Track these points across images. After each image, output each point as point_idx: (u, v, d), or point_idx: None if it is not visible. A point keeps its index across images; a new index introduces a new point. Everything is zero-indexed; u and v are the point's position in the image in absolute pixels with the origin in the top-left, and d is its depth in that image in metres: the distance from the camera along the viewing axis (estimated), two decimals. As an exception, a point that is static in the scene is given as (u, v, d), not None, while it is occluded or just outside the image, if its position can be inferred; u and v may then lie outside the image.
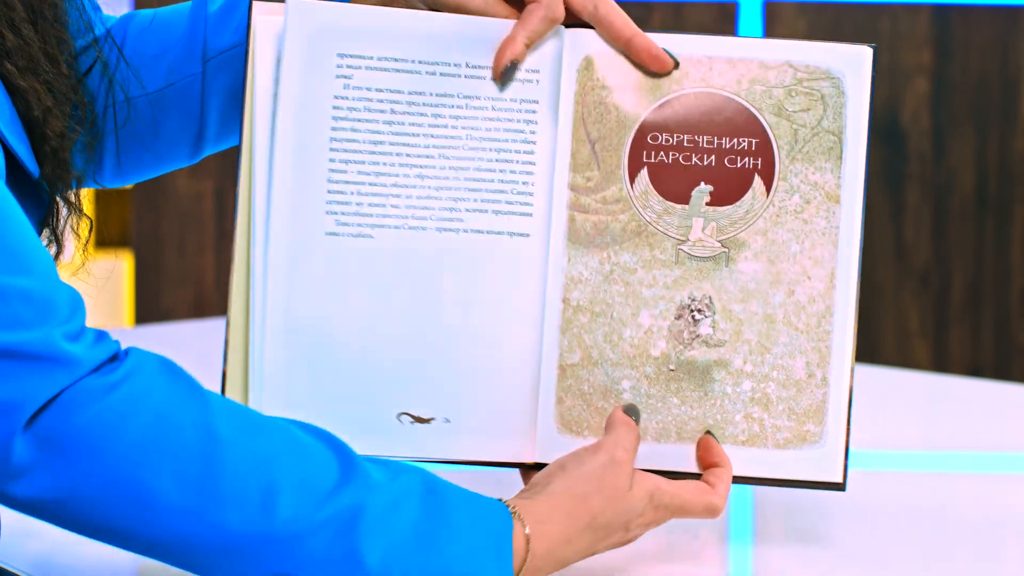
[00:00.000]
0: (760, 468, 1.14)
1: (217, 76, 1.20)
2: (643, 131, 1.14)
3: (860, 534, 1.23)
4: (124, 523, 0.95)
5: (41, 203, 1.07)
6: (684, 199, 1.14)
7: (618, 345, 1.13)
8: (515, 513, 1.03)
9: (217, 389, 1.04)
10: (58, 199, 1.08)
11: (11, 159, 1.02)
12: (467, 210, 1.12)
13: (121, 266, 3.85)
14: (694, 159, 1.14)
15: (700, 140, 1.14)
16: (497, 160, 1.13)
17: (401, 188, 1.12)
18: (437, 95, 1.12)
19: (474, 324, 1.12)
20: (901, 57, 3.66)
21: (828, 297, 1.14)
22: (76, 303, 0.96)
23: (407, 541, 0.98)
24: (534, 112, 1.13)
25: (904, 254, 3.69)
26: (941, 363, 3.68)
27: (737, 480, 1.14)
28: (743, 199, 1.14)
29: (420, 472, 1.02)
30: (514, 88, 1.13)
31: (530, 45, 1.12)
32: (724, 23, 3.62)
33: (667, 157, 1.14)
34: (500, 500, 1.04)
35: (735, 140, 1.14)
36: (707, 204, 1.14)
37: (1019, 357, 3.68)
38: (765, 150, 1.14)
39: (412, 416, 1.12)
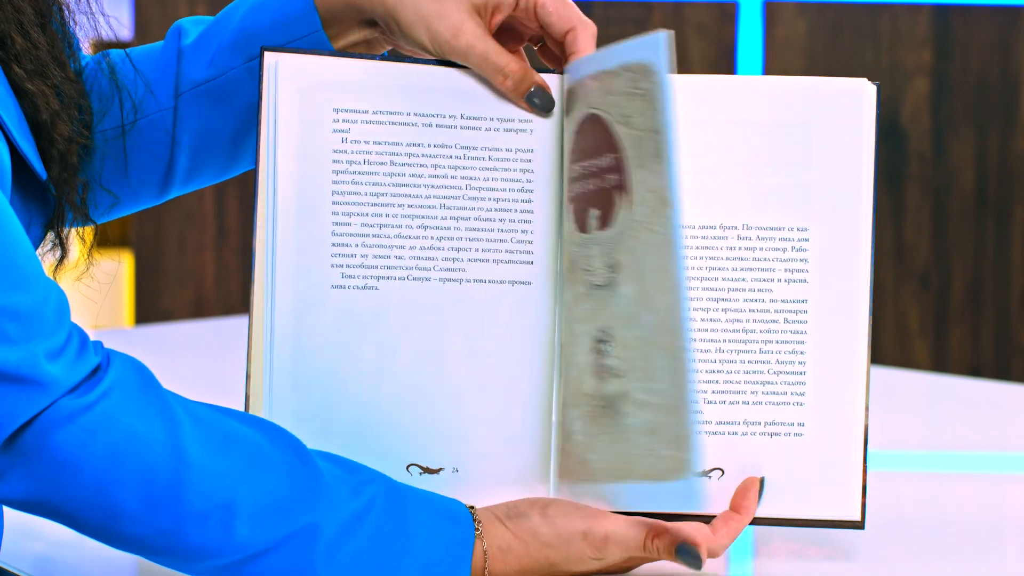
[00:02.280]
0: (775, 508, 1.13)
1: (189, 111, 1.19)
2: (571, 165, 1.13)
3: (860, 534, 1.23)
4: (94, 527, 1.00)
5: (47, 205, 1.07)
6: (586, 228, 1.11)
7: (568, 385, 1.12)
8: (478, 530, 1.05)
9: (221, 390, 1.04)
10: (64, 203, 1.08)
11: (18, 161, 1.03)
12: (469, 260, 1.12)
13: (121, 266, 3.85)
14: (587, 185, 1.11)
15: (588, 165, 1.11)
16: (496, 209, 1.13)
17: (404, 239, 1.11)
18: (435, 146, 1.12)
19: (480, 373, 1.12)
20: (901, 57, 3.66)
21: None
22: (62, 309, 0.98)
23: (363, 557, 1.01)
24: (530, 161, 1.13)
25: (904, 254, 3.69)
26: (941, 363, 3.68)
27: (755, 522, 1.12)
28: (617, 219, 1.08)
29: (384, 482, 1.04)
30: (509, 138, 1.13)
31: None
32: (724, 23, 3.63)
33: (574, 187, 1.13)
34: (469, 508, 1.06)
35: (604, 158, 1.09)
36: (597, 230, 1.10)
37: (1019, 357, 3.68)
38: (622, 164, 1.07)
39: (421, 467, 1.13)
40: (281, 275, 1.10)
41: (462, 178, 1.12)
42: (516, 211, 1.13)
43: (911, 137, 3.67)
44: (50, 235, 1.09)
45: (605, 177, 1.08)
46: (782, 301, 1.12)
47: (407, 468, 1.12)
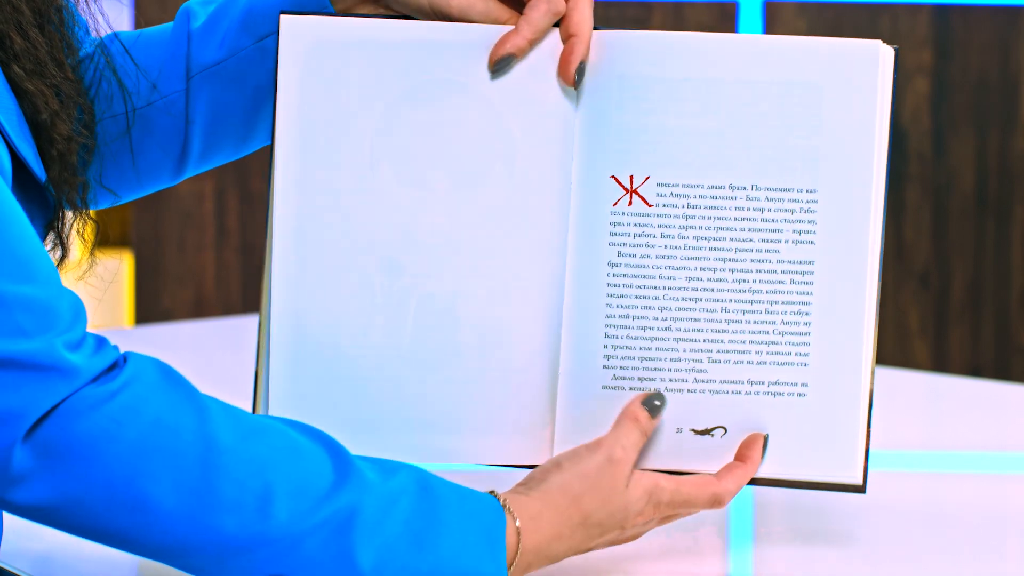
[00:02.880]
0: (777, 468, 1.13)
1: (201, 93, 1.19)
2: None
3: (860, 534, 1.23)
4: (122, 527, 0.96)
5: (47, 206, 1.07)
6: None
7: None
8: (507, 508, 1.03)
9: (222, 390, 1.04)
10: (63, 203, 1.08)
11: (18, 162, 1.03)
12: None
13: (121, 266, 3.85)
14: None
15: None
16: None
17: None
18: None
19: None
20: (901, 57, 3.66)
21: None
22: (78, 310, 0.97)
23: (400, 540, 0.99)
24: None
25: (904, 254, 3.69)
26: (941, 363, 3.68)
27: (756, 482, 1.13)
28: None
29: (414, 470, 1.03)
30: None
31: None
32: (724, 23, 3.63)
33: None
34: (492, 494, 1.04)
35: None
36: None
37: (1019, 357, 3.68)
38: None
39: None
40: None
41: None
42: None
43: (911, 137, 3.67)
44: (51, 236, 1.09)
45: None
46: (789, 262, 1.12)
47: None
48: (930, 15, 3.65)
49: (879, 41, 1.13)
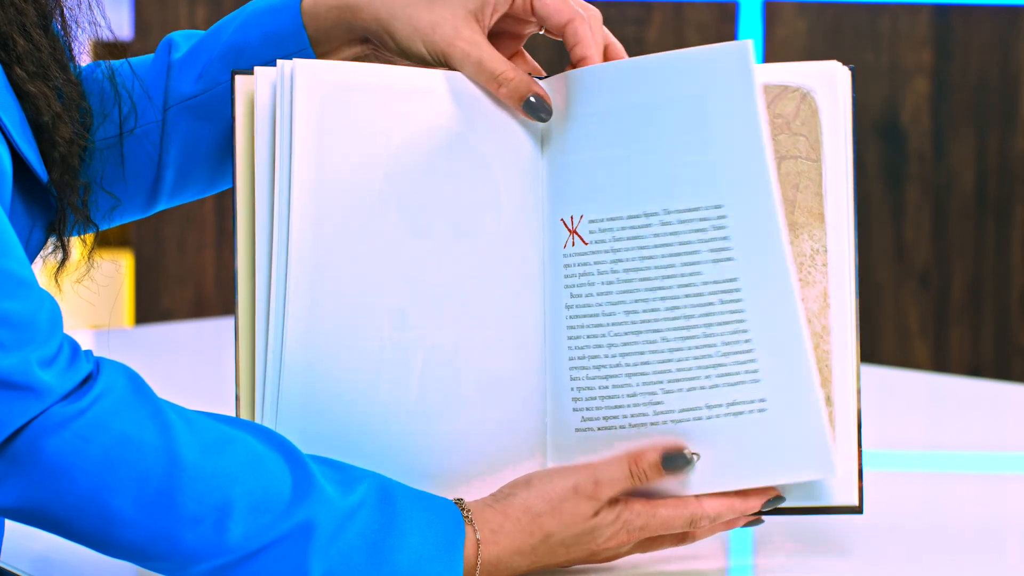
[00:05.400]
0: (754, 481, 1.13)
1: (177, 125, 1.19)
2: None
3: (860, 534, 1.23)
4: (88, 533, 1.00)
5: (49, 208, 1.07)
6: None
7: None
8: (468, 518, 1.05)
9: (222, 390, 1.04)
10: (65, 205, 1.08)
11: (19, 164, 1.03)
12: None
13: (121, 266, 3.85)
14: None
15: None
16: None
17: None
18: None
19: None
20: (901, 57, 3.66)
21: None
22: (54, 319, 0.98)
23: (355, 553, 1.01)
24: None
25: (904, 254, 3.69)
26: (941, 363, 3.68)
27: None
28: None
29: (376, 479, 1.04)
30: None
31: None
32: (724, 23, 3.63)
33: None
34: (456, 502, 1.06)
35: None
36: None
37: (1019, 357, 3.68)
38: None
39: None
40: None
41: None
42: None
43: (911, 137, 3.67)
44: (52, 238, 1.09)
45: None
46: (714, 282, 1.09)
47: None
48: (930, 15, 3.65)
49: (749, 41, 1.09)
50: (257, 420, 1.09)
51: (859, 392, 1.13)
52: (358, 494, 1.03)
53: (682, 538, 1.12)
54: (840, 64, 1.14)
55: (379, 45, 1.15)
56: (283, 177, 1.09)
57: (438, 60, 1.12)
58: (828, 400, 1.13)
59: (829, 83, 1.14)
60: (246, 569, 1.00)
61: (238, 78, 1.11)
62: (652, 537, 1.11)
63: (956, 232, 3.68)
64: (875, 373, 2.03)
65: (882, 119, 3.65)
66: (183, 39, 1.20)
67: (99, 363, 1.01)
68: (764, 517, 1.13)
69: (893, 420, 1.71)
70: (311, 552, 1.00)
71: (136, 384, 1.01)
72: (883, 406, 1.76)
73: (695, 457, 1.09)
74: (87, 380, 0.99)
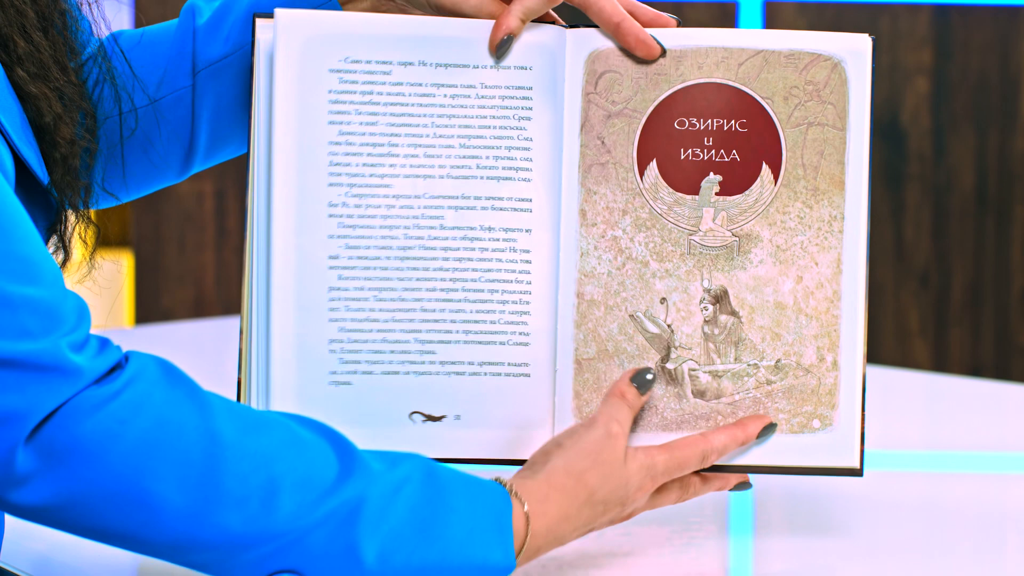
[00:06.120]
0: (774, 456, 1.14)
1: (207, 88, 1.20)
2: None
3: (860, 534, 1.23)
4: (126, 526, 0.96)
5: (50, 209, 1.07)
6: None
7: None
8: (513, 493, 1.04)
9: (222, 390, 1.04)
10: (66, 206, 1.08)
11: (20, 165, 1.03)
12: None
13: (121, 266, 3.85)
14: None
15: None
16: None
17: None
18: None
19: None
20: (901, 57, 3.66)
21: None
22: (82, 312, 0.97)
23: (406, 529, 0.99)
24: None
25: (904, 254, 3.69)
26: (941, 363, 3.68)
27: (752, 469, 1.14)
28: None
29: (418, 459, 1.03)
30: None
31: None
32: (724, 23, 3.63)
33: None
34: (498, 480, 1.04)
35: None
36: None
37: (1019, 357, 3.68)
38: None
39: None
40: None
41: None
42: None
43: (911, 137, 3.67)
44: (53, 239, 1.09)
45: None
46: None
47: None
48: (930, 15, 3.65)
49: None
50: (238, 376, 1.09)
51: (864, 358, 1.14)
52: (403, 469, 1.01)
53: (684, 489, 1.13)
54: (867, 36, 1.16)
55: None
56: (260, 115, 1.11)
57: (441, 6, 1.14)
58: (835, 364, 1.14)
59: (859, 55, 1.15)
60: (296, 553, 0.97)
61: (259, 23, 1.12)
62: (659, 490, 1.12)
63: (956, 232, 3.68)
64: (875, 373, 2.03)
65: (882, 119, 3.65)
66: (204, 3, 1.21)
67: (128, 353, 0.99)
68: (765, 491, 1.13)
69: (893, 420, 1.71)
70: (361, 530, 0.98)
71: (168, 368, 0.99)
72: (883, 406, 1.76)
73: (661, 370, 1.14)
74: (118, 366, 0.97)
